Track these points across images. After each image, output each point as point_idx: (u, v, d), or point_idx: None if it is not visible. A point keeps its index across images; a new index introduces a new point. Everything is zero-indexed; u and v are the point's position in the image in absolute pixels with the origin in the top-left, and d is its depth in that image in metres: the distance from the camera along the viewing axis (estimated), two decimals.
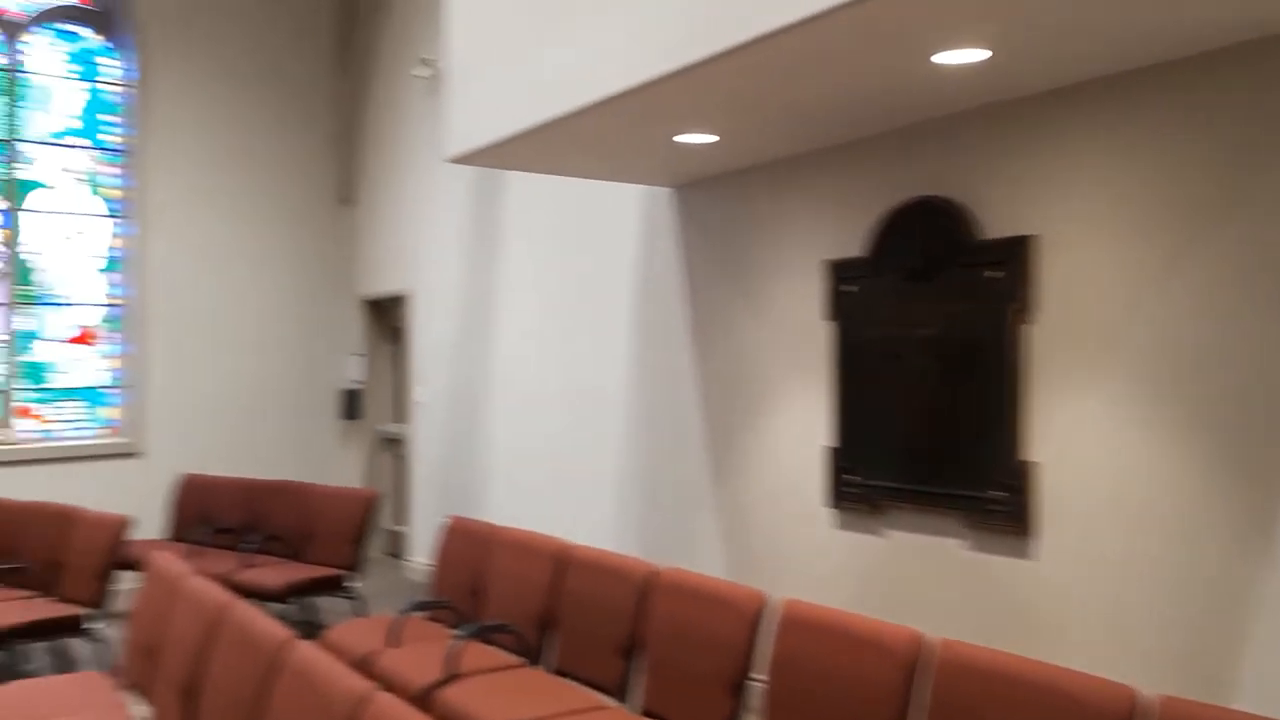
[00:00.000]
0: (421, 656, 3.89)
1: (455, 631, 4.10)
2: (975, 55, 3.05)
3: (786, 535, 4.37)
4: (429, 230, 7.54)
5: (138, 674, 3.69)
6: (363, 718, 2.29)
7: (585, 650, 3.79)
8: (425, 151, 7.46)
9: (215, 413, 8.02)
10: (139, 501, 6.95)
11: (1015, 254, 3.48)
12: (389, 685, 3.57)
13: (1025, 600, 3.46)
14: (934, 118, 3.76)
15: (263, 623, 2.94)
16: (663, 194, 5.13)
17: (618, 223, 5.48)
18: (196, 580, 3.51)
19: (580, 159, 4.51)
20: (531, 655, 3.95)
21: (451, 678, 3.62)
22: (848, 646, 2.89)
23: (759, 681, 3.13)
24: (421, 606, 4.39)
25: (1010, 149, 3.55)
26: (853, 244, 4.07)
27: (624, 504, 5.37)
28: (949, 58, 3.07)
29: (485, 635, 3.99)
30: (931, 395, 3.74)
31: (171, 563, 3.84)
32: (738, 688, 3.18)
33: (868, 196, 4.02)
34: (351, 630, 4.33)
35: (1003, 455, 3.49)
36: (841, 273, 4.12)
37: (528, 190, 6.35)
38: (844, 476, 4.08)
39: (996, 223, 3.59)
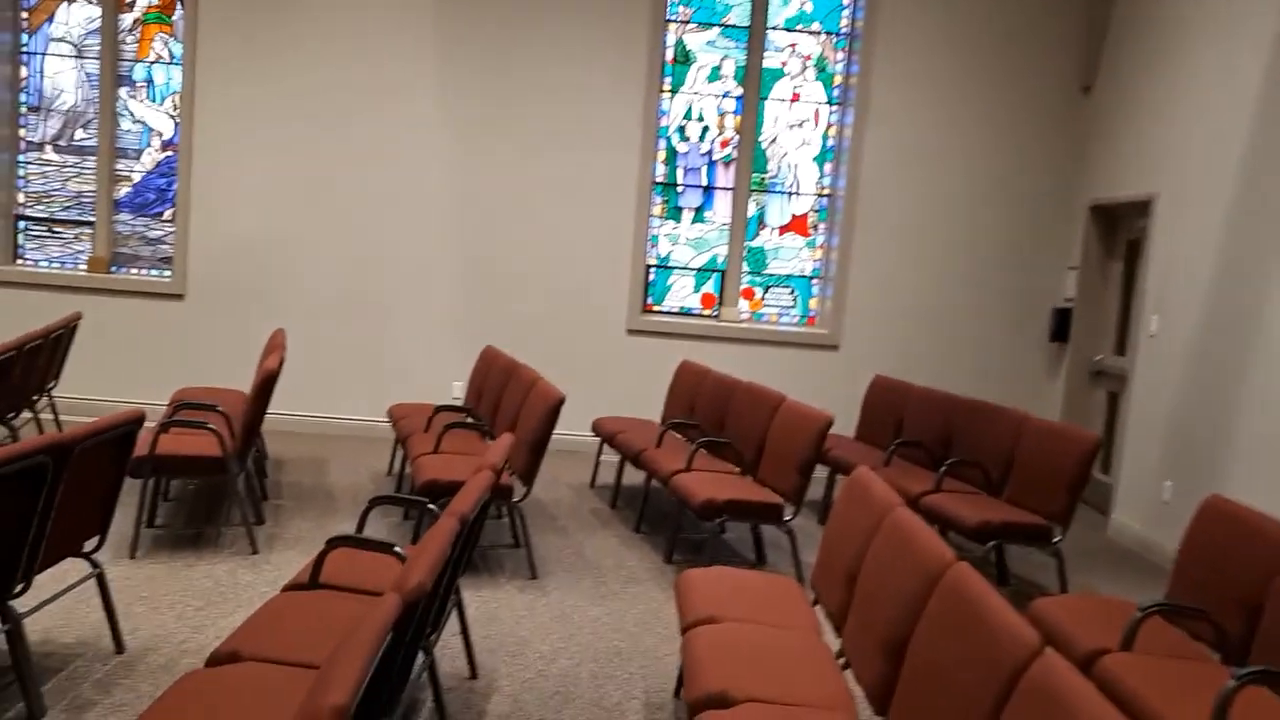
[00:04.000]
0: (1172, 679, 2.94)
1: (1217, 658, 3.05)
2: None
3: None
4: (1184, 124, 6.02)
5: (825, 585, 3.38)
6: None
7: None
8: (1190, 29, 5.90)
9: (912, 315, 7.66)
10: (829, 394, 6.90)
11: None
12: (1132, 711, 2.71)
13: None
14: None
15: (993, 601, 2.28)
16: None
17: None
18: (902, 513, 3.01)
19: None
20: None
21: None
22: None
23: None
24: (1166, 610, 3.39)
25: None
26: None
27: None
28: None
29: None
30: None
31: (873, 482, 3.41)
32: None
33: None
34: (1066, 609, 3.53)
35: None
36: None
37: None
38: None
39: None
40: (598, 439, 6.55)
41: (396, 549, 3.15)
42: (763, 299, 7.85)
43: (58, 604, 3.72)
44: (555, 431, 4.83)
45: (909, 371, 7.11)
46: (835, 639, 3.19)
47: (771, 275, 7.85)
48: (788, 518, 4.76)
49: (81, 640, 3.56)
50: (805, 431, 4.73)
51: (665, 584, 4.80)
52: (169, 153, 7.49)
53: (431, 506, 3.76)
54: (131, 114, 7.48)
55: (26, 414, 6.07)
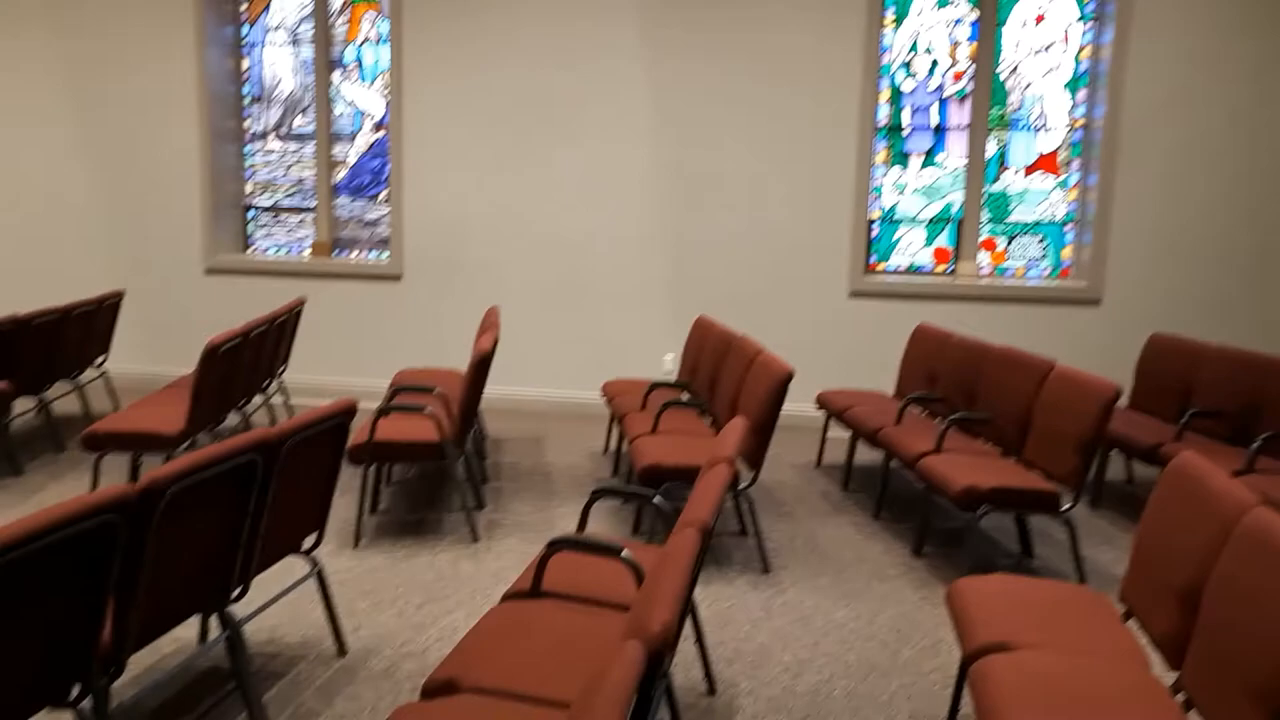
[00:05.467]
0: None
1: None
2: None
3: None
4: None
5: (1145, 603, 2.72)
6: None
7: None
8: None
9: (1189, 262, 6.59)
10: (1089, 357, 6.04)
11: None
12: None
13: None
14: None
15: None
16: None
17: None
18: (1262, 517, 2.31)
19: None
20: None
21: None
22: None
23: None
24: None
25: None
26: None
27: None
28: None
29: None
30: None
31: (1208, 474, 2.70)
32: None
33: None
34: None
35: None
36: None
37: None
38: None
39: None
40: (823, 414, 5.99)
41: (624, 554, 2.77)
42: (1006, 250, 6.99)
43: (285, 600, 3.61)
44: None
45: (1185, 327, 6.09)
46: (1160, 666, 2.54)
47: (1016, 223, 6.96)
48: (1065, 507, 4.05)
49: (305, 640, 3.44)
50: (1085, 404, 4.00)
51: (917, 581, 4.22)
52: (381, 133, 7.51)
53: (656, 501, 3.37)
54: (344, 97, 7.55)
55: (258, 399, 6.22)
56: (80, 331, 5.96)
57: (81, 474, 5.23)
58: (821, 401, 5.95)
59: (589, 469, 5.74)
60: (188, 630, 3.36)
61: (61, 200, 7.55)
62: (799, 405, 6.55)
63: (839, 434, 6.16)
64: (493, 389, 7.11)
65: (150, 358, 7.43)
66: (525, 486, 5.37)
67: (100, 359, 6.47)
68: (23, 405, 5.83)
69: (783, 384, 4.24)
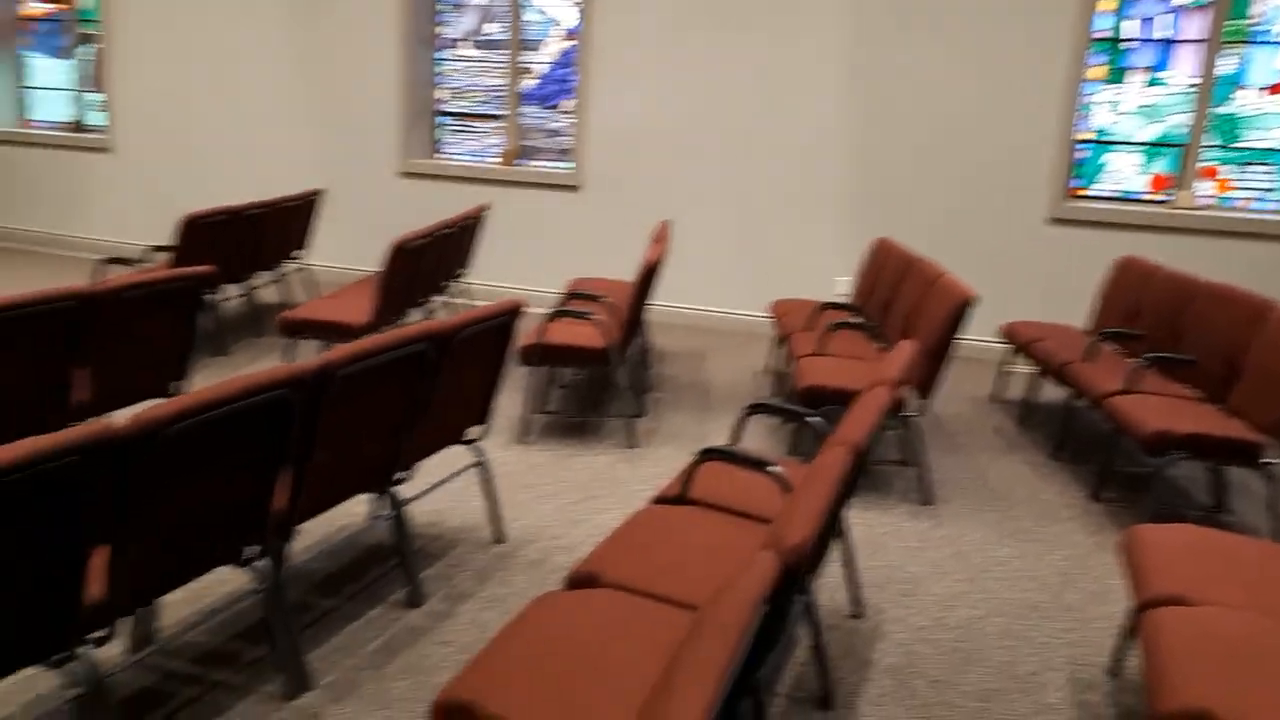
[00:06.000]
0: None
1: None
2: None
3: None
4: None
5: None
6: None
7: None
8: None
9: None
10: None
11: None
12: None
13: None
14: None
15: None
16: None
17: None
18: None
19: None
20: None
21: None
22: None
23: None
24: None
25: None
26: None
27: None
28: None
29: None
30: None
31: None
32: None
33: None
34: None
35: None
36: None
37: None
38: None
39: None
40: (1007, 346, 5.66)
41: (773, 469, 2.73)
42: (1231, 179, 6.30)
43: (448, 488, 3.80)
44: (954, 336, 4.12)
45: None
46: None
47: (1246, 149, 6.25)
48: (1268, 460, 3.68)
49: (465, 526, 3.60)
50: None
51: (1092, 526, 3.97)
52: (570, 43, 7.51)
53: (813, 420, 3.29)
54: (535, 5, 7.57)
55: (439, 299, 6.49)
56: (283, 226, 6.36)
57: (278, 358, 5.64)
58: (1006, 333, 5.62)
59: (749, 387, 5.69)
60: (357, 506, 3.58)
61: (271, 103, 8.02)
62: (981, 337, 6.23)
63: (1022, 370, 5.82)
64: (660, 303, 7.13)
65: (344, 255, 7.87)
66: (684, 399, 5.39)
67: (299, 253, 6.90)
68: (230, 292, 6.31)
69: (961, 308, 4.02)
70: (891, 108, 6.63)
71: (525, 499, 3.89)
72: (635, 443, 4.61)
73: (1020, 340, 5.40)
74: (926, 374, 4.14)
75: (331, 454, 2.63)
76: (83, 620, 1.97)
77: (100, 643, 2.02)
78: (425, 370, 2.93)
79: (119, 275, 3.56)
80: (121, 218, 8.53)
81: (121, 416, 2.01)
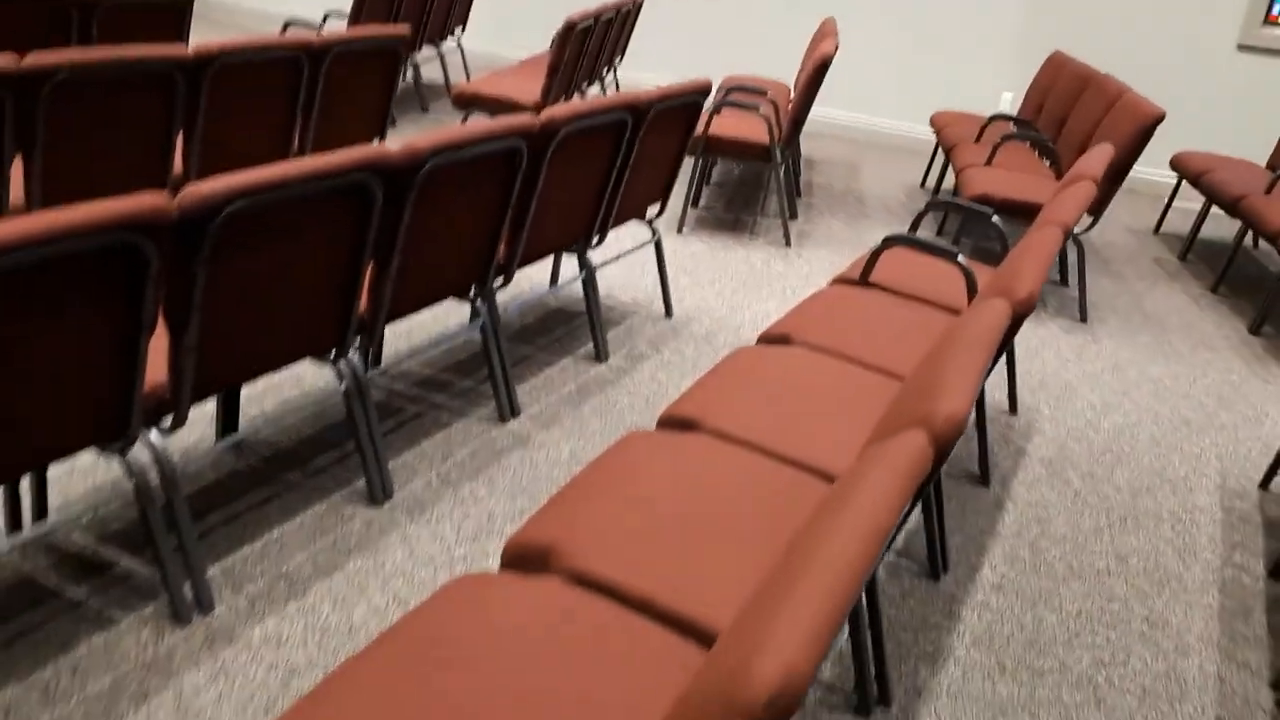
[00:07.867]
0: None
1: None
2: None
3: None
4: None
5: None
6: None
7: None
8: None
9: None
10: None
11: None
12: None
13: None
14: None
15: None
16: None
17: None
18: None
19: None
20: None
21: None
22: None
23: None
24: None
25: None
26: None
27: None
28: None
29: None
30: None
31: None
32: None
33: None
34: None
35: None
36: None
37: None
38: None
39: None
40: (1175, 177, 5.47)
41: (960, 257, 2.81)
42: None
43: (619, 266, 3.99)
44: None
45: None
46: None
47: None
48: None
49: (637, 300, 3.81)
50: None
51: (1249, 356, 3.97)
52: None
53: (995, 219, 3.33)
54: None
55: (595, 89, 6.51)
56: (446, 2, 6.39)
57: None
58: (1177, 163, 5.41)
59: (903, 200, 5.66)
60: (540, 274, 3.81)
61: None
62: (1149, 168, 6.01)
63: (1189, 203, 5.64)
64: (812, 110, 7.01)
65: (494, 38, 7.88)
66: (838, 206, 5.41)
67: (459, 30, 6.95)
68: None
69: (1150, 126, 3.91)
70: None
71: (687, 284, 4.06)
72: (790, 242, 4.71)
73: (1191, 171, 5.20)
74: (1102, 193, 4.09)
75: (551, 207, 2.81)
76: (353, 328, 2.24)
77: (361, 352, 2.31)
78: (625, 139, 3.05)
79: (330, 31, 3.72)
80: None
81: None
